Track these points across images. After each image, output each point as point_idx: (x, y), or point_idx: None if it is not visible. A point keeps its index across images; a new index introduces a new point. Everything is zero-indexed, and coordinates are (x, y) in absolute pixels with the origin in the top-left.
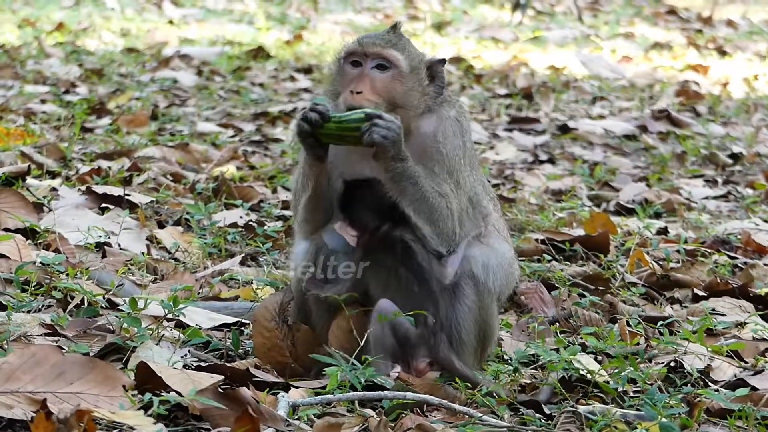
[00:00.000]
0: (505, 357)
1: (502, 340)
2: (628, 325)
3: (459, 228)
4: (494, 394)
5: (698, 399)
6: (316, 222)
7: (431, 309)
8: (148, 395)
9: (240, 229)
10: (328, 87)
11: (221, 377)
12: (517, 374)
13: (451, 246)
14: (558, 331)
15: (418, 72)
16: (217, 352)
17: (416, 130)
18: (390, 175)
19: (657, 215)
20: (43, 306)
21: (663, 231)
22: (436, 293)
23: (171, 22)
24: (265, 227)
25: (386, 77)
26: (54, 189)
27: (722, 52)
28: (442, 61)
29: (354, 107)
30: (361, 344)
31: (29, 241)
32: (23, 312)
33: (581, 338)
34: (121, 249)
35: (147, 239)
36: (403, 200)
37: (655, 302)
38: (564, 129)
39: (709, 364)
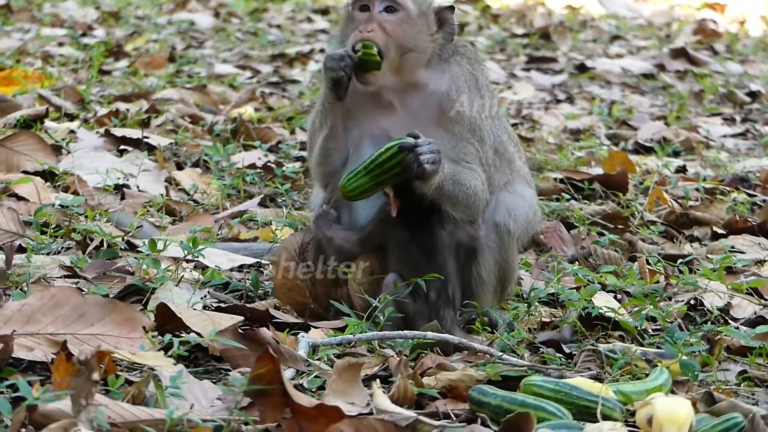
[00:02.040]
0: (525, 296)
1: (522, 279)
2: (648, 263)
3: (488, 193)
4: (514, 334)
5: (718, 337)
6: (329, 166)
7: (443, 279)
8: (168, 336)
9: (258, 170)
10: (339, 34)
11: (241, 318)
12: (531, 310)
13: (481, 216)
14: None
15: (427, 17)
16: (236, 293)
17: (428, 85)
18: (432, 188)
19: (675, 154)
20: (62, 248)
21: (681, 169)
22: (448, 257)
23: None
24: (284, 168)
25: (395, 19)
26: (72, 131)
27: None
28: (451, 8)
29: (363, 41)
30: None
31: (48, 184)
32: (43, 254)
33: (601, 276)
34: (139, 191)
35: (165, 181)
36: (443, 200)
37: (675, 240)
38: (582, 68)
39: (728, 302)
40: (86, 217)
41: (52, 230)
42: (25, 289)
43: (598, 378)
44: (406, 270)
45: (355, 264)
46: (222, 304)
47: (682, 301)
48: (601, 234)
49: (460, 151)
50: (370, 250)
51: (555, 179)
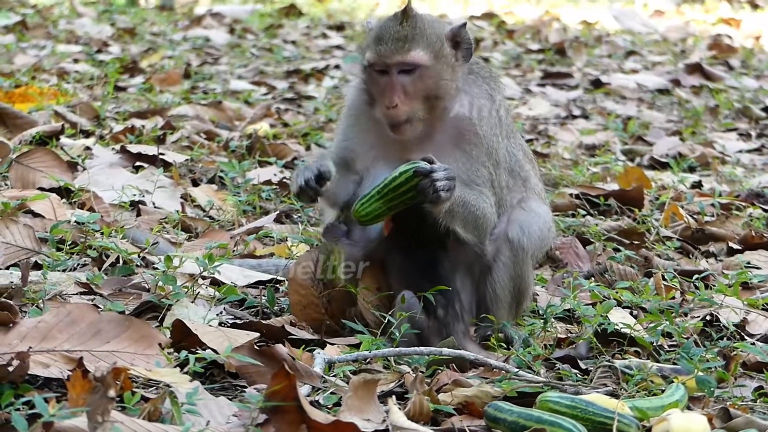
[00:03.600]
0: (540, 312)
1: (537, 295)
2: (664, 279)
3: (497, 215)
4: (530, 350)
5: (734, 352)
6: (339, 203)
7: (449, 293)
8: (184, 353)
9: (274, 187)
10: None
11: (257, 334)
12: (547, 326)
13: (488, 238)
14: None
15: (443, 52)
16: (252, 310)
17: (450, 112)
18: (443, 212)
19: (691, 169)
20: (78, 265)
21: (697, 185)
22: (452, 273)
23: None
24: None
25: (414, 79)
26: (88, 148)
27: (754, 6)
28: (463, 26)
29: (394, 122)
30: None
31: (64, 200)
32: (59, 271)
33: (617, 292)
34: (155, 207)
35: (181, 197)
36: (453, 222)
37: (690, 256)
38: (597, 84)
39: (744, 318)
40: (102, 233)
41: (67, 247)
42: (41, 305)
43: (614, 394)
44: (412, 289)
45: (361, 280)
46: (238, 321)
47: (698, 316)
48: (616, 250)
49: (473, 174)
50: (376, 266)
51: (570, 195)
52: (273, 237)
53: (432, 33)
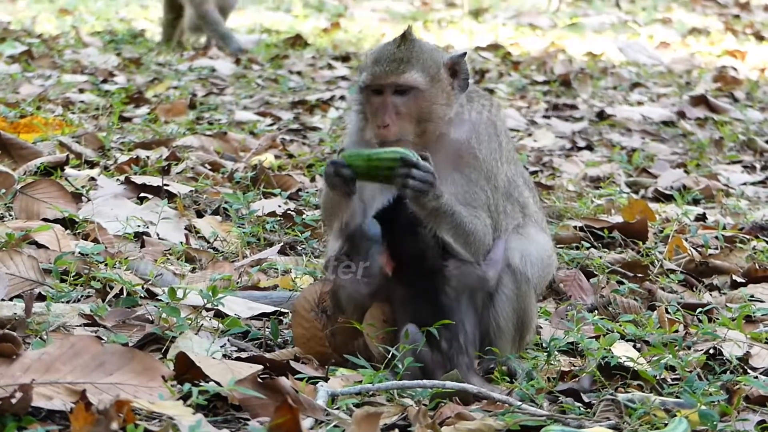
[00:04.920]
0: (544, 345)
1: (541, 328)
2: (667, 312)
3: (492, 238)
4: (533, 384)
5: (737, 386)
6: (348, 231)
7: (453, 326)
8: (187, 385)
9: (278, 218)
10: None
11: (260, 367)
12: (551, 359)
13: (483, 258)
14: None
15: (439, 78)
16: (256, 342)
17: (449, 135)
18: (425, 212)
19: (695, 201)
20: (82, 296)
21: (701, 217)
22: (455, 306)
23: None
24: (304, 216)
25: (408, 100)
26: (92, 179)
27: (760, 38)
28: (462, 55)
29: (385, 142)
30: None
31: (68, 231)
32: (62, 302)
33: (620, 325)
34: (159, 239)
35: (186, 229)
36: (440, 230)
37: (694, 289)
38: (602, 115)
39: (748, 351)
40: (106, 265)
41: (71, 278)
42: (45, 337)
43: (617, 428)
44: (416, 323)
45: (367, 314)
46: (241, 353)
47: (702, 350)
48: (620, 283)
49: (470, 197)
50: (382, 301)
51: (575, 227)
52: (277, 269)
53: (429, 58)
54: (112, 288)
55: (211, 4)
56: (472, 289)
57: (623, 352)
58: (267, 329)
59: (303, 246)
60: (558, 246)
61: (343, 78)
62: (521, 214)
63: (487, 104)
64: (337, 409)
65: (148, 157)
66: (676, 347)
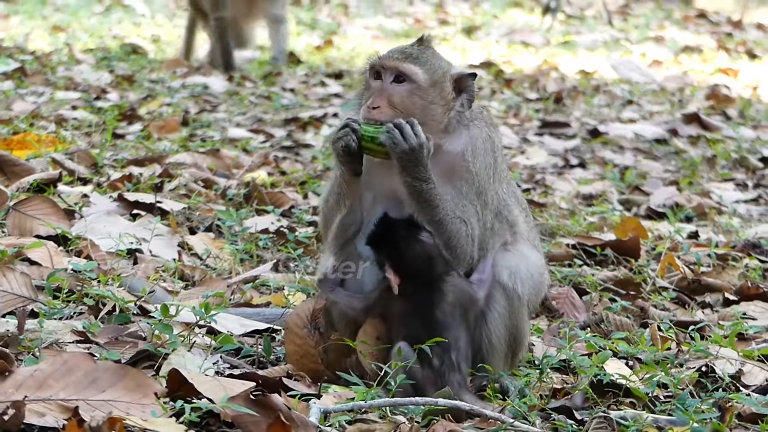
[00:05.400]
0: (536, 362)
1: (534, 345)
2: (659, 329)
3: (477, 252)
4: (526, 401)
5: (730, 404)
6: (347, 237)
7: (446, 344)
8: (179, 402)
9: (271, 235)
10: (357, 97)
11: (253, 384)
12: (543, 377)
13: (466, 268)
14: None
15: (441, 85)
16: (248, 359)
17: (445, 147)
18: (410, 191)
19: (688, 219)
20: (74, 313)
21: (694, 235)
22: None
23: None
24: (297, 233)
25: (404, 91)
26: (85, 196)
27: (752, 56)
28: (472, 75)
29: (369, 120)
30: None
31: (61, 248)
32: (55, 319)
33: (612, 343)
34: (152, 255)
35: (178, 246)
36: (422, 220)
37: (686, 307)
38: (594, 133)
39: (740, 369)
40: (99, 281)
41: (64, 295)
42: (37, 354)
43: None
44: (410, 339)
45: (361, 331)
46: (234, 370)
47: (694, 367)
48: (613, 300)
49: (459, 209)
50: (376, 317)
51: (567, 245)
52: (270, 286)
53: (437, 63)
54: (104, 305)
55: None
56: (465, 306)
57: (616, 369)
58: (260, 346)
59: (296, 263)
60: (550, 263)
61: (336, 95)
62: (510, 232)
63: (487, 121)
64: (330, 426)
65: (141, 174)
66: (669, 365)
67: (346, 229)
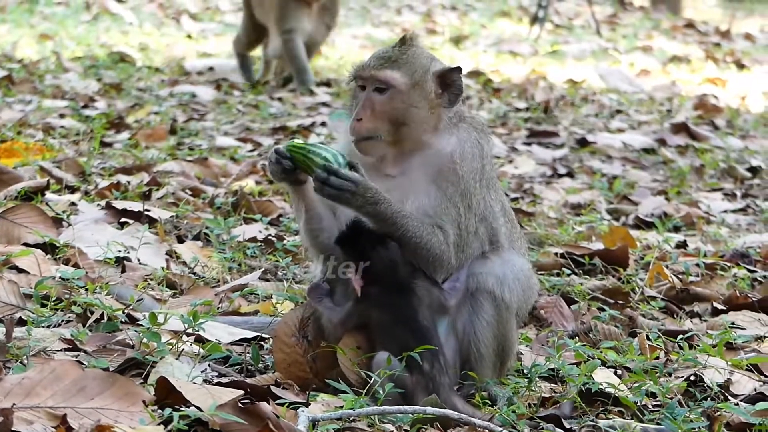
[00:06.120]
0: (525, 371)
1: (522, 354)
2: (648, 338)
3: (457, 257)
4: (514, 409)
5: (718, 413)
6: (323, 245)
7: (432, 348)
8: (168, 410)
9: (259, 244)
10: (346, 109)
11: (241, 392)
12: (532, 385)
13: (446, 275)
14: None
15: (423, 85)
16: (237, 367)
17: (434, 147)
18: (362, 216)
19: (676, 229)
20: (62, 321)
21: (682, 245)
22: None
23: (189, 36)
24: (285, 241)
25: (384, 99)
26: (73, 204)
27: (740, 66)
28: (457, 69)
29: (356, 137)
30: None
31: (48, 256)
32: (43, 327)
33: (601, 352)
34: (140, 264)
35: (166, 254)
36: (387, 236)
37: (675, 316)
38: (583, 142)
39: (728, 378)
40: (87, 289)
41: (52, 303)
42: (25, 362)
43: None
44: (395, 347)
45: (341, 343)
46: (222, 378)
47: (682, 377)
48: (601, 309)
49: (441, 211)
50: (355, 328)
51: (555, 254)
52: (258, 294)
53: (418, 63)
54: (92, 313)
55: (299, 35)
56: (434, 312)
57: (604, 378)
58: (248, 354)
59: (284, 271)
60: (539, 272)
61: (324, 104)
62: (495, 240)
63: (477, 127)
64: None
65: (128, 182)
66: (657, 374)
67: (315, 236)
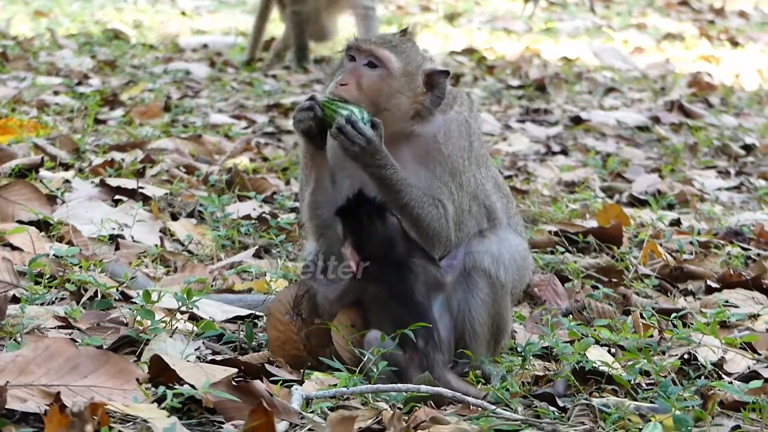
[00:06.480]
0: (519, 349)
1: (516, 332)
2: (642, 317)
3: (456, 234)
4: (508, 387)
5: (712, 391)
6: (321, 219)
7: (426, 326)
8: (161, 388)
9: (253, 221)
10: (331, 73)
11: (235, 370)
12: (526, 363)
13: (444, 251)
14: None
15: (412, 78)
16: (230, 345)
17: (418, 132)
18: (372, 178)
19: (670, 206)
20: (56, 298)
21: (676, 222)
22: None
23: (183, 13)
24: (279, 219)
25: (374, 75)
26: (67, 181)
27: (734, 43)
28: (445, 73)
29: (335, 96)
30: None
31: (42, 234)
32: (37, 305)
33: (595, 330)
34: (134, 241)
35: (160, 231)
36: (389, 204)
37: (668, 294)
38: (577, 120)
39: (722, 357)
40: (80, 267)
41: (46, 280)
42: (19, 339)
43: None
44: (389, 324)
45: (335, 320)
46: (216, 356)
47: (676, 355)
48: (595, 287)
49: (434, 190)
50: (351, 306)
51: (549, 232)
52: (252, 272)
53: (413, 56)
54: (86, 290)
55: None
56: (430, 289)
57: (598, 356)
58: (242, 332)
59: (278, 249)
60: (532, 250)
61: (318, 81)
62: (490, 218)
63: (466, 107)
64: (312, 412)
65: (122, 159)
66: (651, 352)
67: (316, 208)
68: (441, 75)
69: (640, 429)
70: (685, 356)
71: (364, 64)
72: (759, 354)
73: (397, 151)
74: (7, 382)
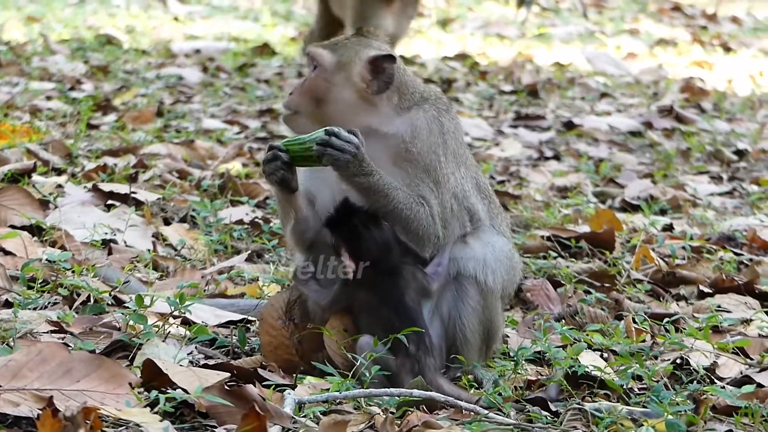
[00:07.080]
0: (511, 354)
1: (508, 337)
2: (634, 322)
3: (443, 231)
4: (500, 392)
5: (704, 396)
6: (307, 241)
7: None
8: (154, 392)
9: (246, 226)
10: None
11: (228, 374)
12: (518, 368)
13: (434, 250)
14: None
15: (349, 68)
16: (223, 350)
17: (384, 131)
18: (356, 188)
19: (662, 212)
20: (49, 303)
21: (668, 228)
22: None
23: (176, 18)
24: (271, 224)
25: (313, 76)
26: (60, 186)
27: (727, 49)
28: (389, 57)
29: (284, 109)
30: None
31: (35, 238)
32: (29, 309)
33: (587, 335)
34: (127, 246)
35: (153, 236)
36: (377, 211)
37: (661, 299)
38: (569, 125)
39: (715, 361)
40: (73, 272)
41: (39, 285)
42: (12, 344)
43: None
44: (380, 330)
45: (327, 326)
46: (208, 361)
47: (668, 360)
48: (587, 292)
49: (413, 189)
50: (342, 311)
51: (542, 237)
52: (244, 277)
53: (351, 48)
54: (79, 295)
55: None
56: (418, 296)
57: (590, 361)
58: (234, 337)
59: (270, 254)
60: (525, 255)
61: None
62: (473, 219)
63: (440, 107)
64: (304, 416)
65: (115, 164)
66: (643, 357)
67: (302, 235)
68: (385, 60)
69: None
70: (678, 361)
71: (312, 70)
72: (751, 359)
73: (371, 155)
74: (0, 386)
